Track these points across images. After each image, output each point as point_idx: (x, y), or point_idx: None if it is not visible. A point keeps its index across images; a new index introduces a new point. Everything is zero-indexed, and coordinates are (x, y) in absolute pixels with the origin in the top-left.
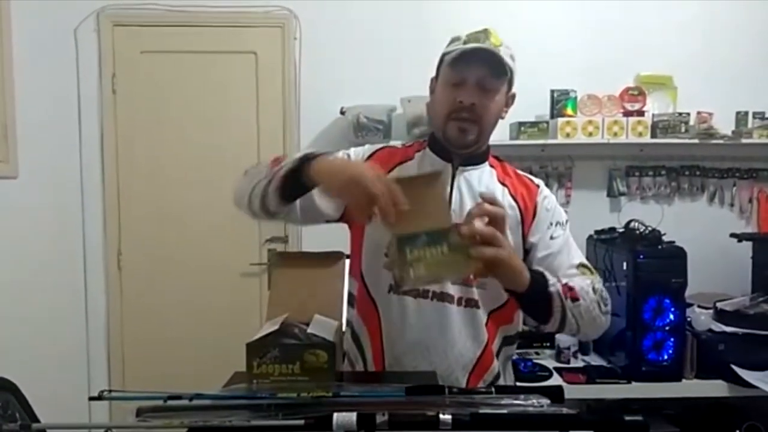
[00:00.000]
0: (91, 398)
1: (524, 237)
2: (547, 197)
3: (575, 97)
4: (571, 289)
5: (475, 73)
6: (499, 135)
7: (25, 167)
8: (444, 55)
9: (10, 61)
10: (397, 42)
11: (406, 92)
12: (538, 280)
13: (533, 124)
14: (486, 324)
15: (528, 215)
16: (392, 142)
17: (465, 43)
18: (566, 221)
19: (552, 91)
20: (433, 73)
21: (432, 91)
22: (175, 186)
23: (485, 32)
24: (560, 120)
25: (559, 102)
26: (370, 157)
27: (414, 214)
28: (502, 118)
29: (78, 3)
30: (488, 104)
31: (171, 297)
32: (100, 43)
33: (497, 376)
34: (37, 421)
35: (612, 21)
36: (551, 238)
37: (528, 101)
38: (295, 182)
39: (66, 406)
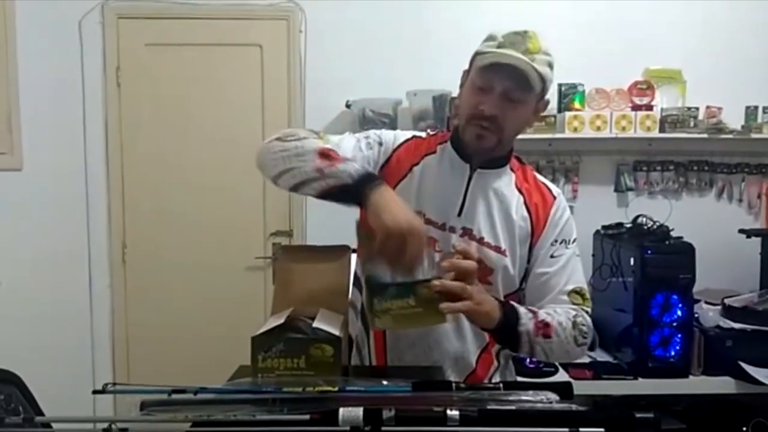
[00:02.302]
0: (95, 392)
1: (531, 248)
2: (561, 211)
3: (583, 91)
4: (546, 325)
5: (503, 83)
6: None
7: (29, 159)
8: (476, 54)
9: (15, 53)
10: (402, 35)
11: (412, 86)
12: (510, 318)
13: (540, 118)
14: None
15: (539, 226)
16: (417, 132)
17: (500, 45)
18: (574, 240)
19: (560, 85)
20: (466, 66)
21: (462, 84)
22: (180, 179)
23: (524, 36)
24: (568, 114)
25: (567, 96)
26: (398, 147)
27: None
28: (530, 126)
29: None
30: (511, 115)
31: (175, 291)
32: (105, 35)
33: (498, 376)
34: (41, 414)
35: (620, 14)
36: (552, 256)
37: None
38: (341, 194)
39: (70, 399)
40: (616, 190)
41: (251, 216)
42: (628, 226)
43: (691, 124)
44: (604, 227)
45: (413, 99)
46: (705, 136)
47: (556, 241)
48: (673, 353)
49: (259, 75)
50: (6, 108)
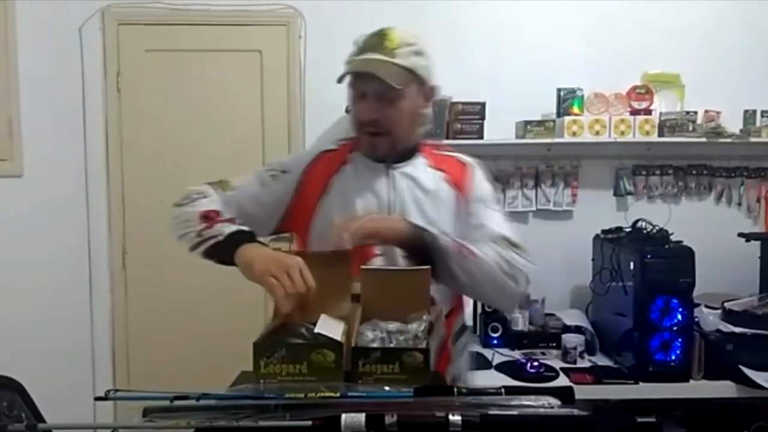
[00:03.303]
0: (97, 398)
1: (459, 214)
2: (476, 175)
3: (582, 96)
4: (465, 246)
5: (372, 86)
6: (505, 133)
7: (29, 166)
8: (346, 64)
9: (16, 60)
10: None
11: None
12: (425, 233)
13: (539, 122)
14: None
15: (461, 192)
16: (326, 147)
17: (360, 51)
18: (491, 197)
19: (558, 90)
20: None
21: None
22: (180, 184)
23: (380, 36)
24: (567, 119)
25: (566, 100)
26: (308, 167)
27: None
28: (424, 114)
29: (83, 1)
30: (392, 114)
31: (176, 296)
32: (105, 41)
33: (456, 369)
34: (43, 420)
35: (619, 19)
36: (473, 213)
37: (534, 100)
38: (220, 254)
39: (71, 405)
40: (615, 195)
41: None
42: (628, 230)
43: (690, 128)
44: (603, 231)
45: None
46: (704, 140)
47: (475, 200)
48: (673, 357)
49: (258, 80)
50: (7, 114)
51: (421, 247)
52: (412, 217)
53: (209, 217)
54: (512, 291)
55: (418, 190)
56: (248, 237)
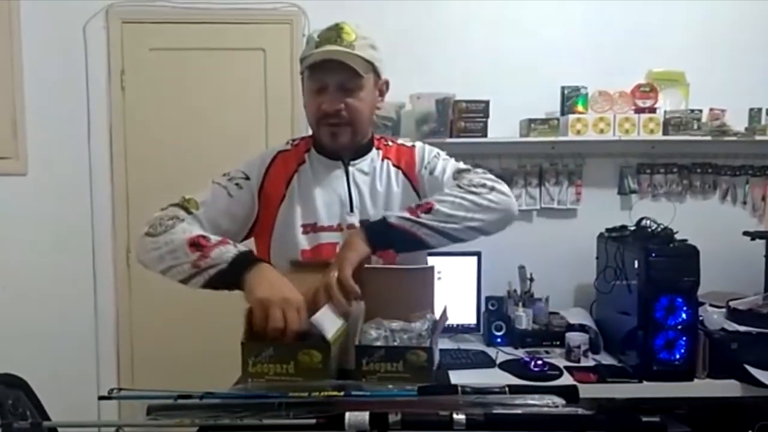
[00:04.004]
0: (101, 397)
1: (416, 190)
2: (421, 150)
3: (586, 94)
4: (419, 206)
5: (334, 78)
6: (509, 132)
7: (34, 164)
8: (301, 59)
9: (20, 58)
10: (404, 39)
11: (415, 89)
12: (375, 223)
13: (543, 121)
14: None
15: (412, 171)
16: (280, 147)
17: (318, 45)
18: (439, 153)
19: (562, 88)
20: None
21: (303, 93)
22: (184, 183)
23: (337, 29)
24: (571, 117)
25: (570, 99)
26: (267, 169)
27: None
28: (378, 108)
29: (87, 0)
30: (355, 104)
31: (180, 295)
32: (109, 40)
33: None
34: (48, 418)
35: (623, 16)
36: (430, 173)
37: (538, 98)
38: (223, 281)
39: (75, 402)
40: (619, 193)
41: None
42: (632, 228)
43: (695, 126)
44: (607, 230)
45: (416, 102)
46: (708, 138)
47: (427, 163)
48: (678, 356)
49: (262, 79)
50: (11, 113)
51: (384, 240)
52: (369, 211)
53: (200, 245)
54: (500, 201)
55: (375, 186)
56: (251, 258)
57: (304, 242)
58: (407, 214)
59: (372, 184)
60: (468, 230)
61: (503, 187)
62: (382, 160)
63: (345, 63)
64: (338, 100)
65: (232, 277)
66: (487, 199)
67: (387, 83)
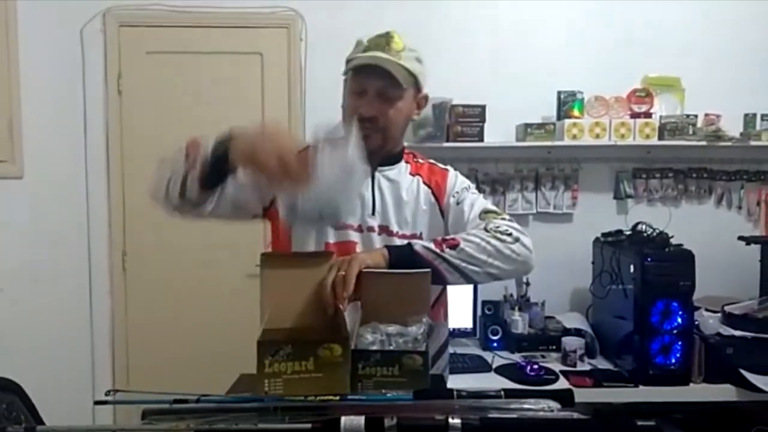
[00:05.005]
0: (97, 402)
1: (442, 213)
2: (453, 177)
3: (582, 99)
4: (451, 239)
5: (375, 84)
6: (505, 136)
7: (30, 167)
8: (347, 61)
9: (17, 61)
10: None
11: None
12: (402, 248)
13: (539, 125)
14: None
15: (442, 194)
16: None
17: (366, 49)
18: (470, 186)
19: (559, 93)
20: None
21: (343, 93)
22: None
23: (387, 37)
24: (567, 121)
25: (566, 103)
26: None
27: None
28: (413, 120)
29: (84, 3)
30: (390, 113)
31: (176, 298)
32: (106, 43)
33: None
34: (42, 423)
35: (619, 22)
36: (457, 203)
37: (534, 103)
38: (216, 165)
39: (69, 406)
40: (615, 198)
41: (251, 224)
42: (628, 233)
43: (690, 131)
44: (603, 234)
45: None
46: (704, 143)
47: (457, 192)
48: (673, 361)
49: (259, 83)
50: (7, 116)
51: (404, 264)
52: (391, 218)
53: (194, 143)
54: (521, 254)
55: (401, 196)
56: (229, 135)
57: (330, 235)
58: (432, 246)
59: (397, 193)
60: (485, 275)
61: (527, 240)
62: (412, 175)
63: (388, 71)
64: (376, 107)
65: (220, 154)
66: (511, 249)
67: (426, 98)
